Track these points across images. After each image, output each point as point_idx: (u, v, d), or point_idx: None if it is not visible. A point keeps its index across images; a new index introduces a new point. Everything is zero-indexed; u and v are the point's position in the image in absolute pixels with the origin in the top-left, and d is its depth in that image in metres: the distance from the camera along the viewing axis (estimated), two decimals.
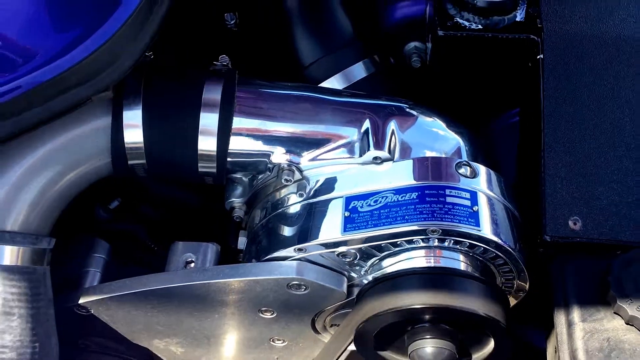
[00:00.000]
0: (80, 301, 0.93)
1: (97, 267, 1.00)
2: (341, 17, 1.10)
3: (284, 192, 0.93)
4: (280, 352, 1.02)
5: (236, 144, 0.91)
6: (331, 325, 0.96)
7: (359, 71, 1.08)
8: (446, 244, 0.84)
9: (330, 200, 0.89)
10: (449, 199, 0.84)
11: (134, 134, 0.89)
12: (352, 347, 0.95)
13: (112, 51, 0.80)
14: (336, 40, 1.09)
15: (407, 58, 1.12)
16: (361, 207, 0.86)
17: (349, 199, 0.87)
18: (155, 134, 0.89)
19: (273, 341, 1.00)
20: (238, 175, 0.96)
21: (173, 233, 1.05)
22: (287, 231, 0.91)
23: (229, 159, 0.92)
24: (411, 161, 0.88)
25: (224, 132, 0.90)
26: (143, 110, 0.89)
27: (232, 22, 1.12)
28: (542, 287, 0.89)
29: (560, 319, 0.83)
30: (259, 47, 1.13)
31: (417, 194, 0.85)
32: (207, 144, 0.91)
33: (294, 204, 0.91)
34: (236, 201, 0.97)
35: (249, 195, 0.97)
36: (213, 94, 0.91)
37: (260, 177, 0.95)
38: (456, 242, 0.84)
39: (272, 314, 0.93)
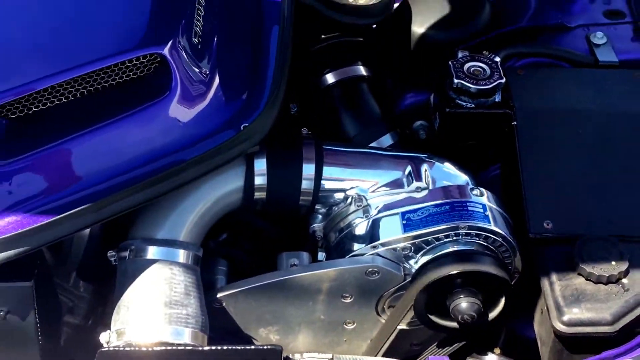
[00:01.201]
0: (218, 295, 1.35)
1: (222, 275, 1.42)
2: (372, 103, 1.61)
3: (352, 216, 1.38)
4: (348, 335, 1.44)
5: (324, 184, 1.37)
6: (389, 307, 1.39)
7: (387, 140, 1.57)
8: (469, 237, 1.31)
9: (390, 215, 1.34)
10: (469, 208, 1.32)
11: (260, 177, 1.35)
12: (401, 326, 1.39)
13: (261, 119, 1.27)
14: (370, 119, 1.59)
15: (416, 132, 1.62)
16: (413, 216, 1.32)
17: (403, 213, 1.33)
18: (274, 177, 1.35)
19: (345, 324, 1.42)
20: (318, 207, 1.41)
21: (264, 256, 1.49)
22: (360, 239, 1.36)
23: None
24: (442, 188, 1.36)
25: (318, 177, 1.36)
26: (267, 161, 1.35)
27: (294, 109, 1.61)
28: (529, 268, 1.35)
29: (544, 282, 1.30)
30: (313, 126, 1.60)
31: (449, 206, 1.32)
32: (306, 185, 1.36)
33: (362, 222, 1.36)
34: (317, 226, 1.42)
35: (325, 222, 1.42)
36: (309, 152, 1.37)
37: (334, 208, 1.41)
38: (476, 235, 1.31)
39: (350, 299, 1.36)
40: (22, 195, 1.16)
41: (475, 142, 1.54)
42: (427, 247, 1.32)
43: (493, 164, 1.60)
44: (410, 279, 1.33)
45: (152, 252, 1.29)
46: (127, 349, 1.22)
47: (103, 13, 1.24)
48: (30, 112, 1.19)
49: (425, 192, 1.37)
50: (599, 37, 1.62)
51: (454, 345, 1.43)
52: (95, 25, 1.23)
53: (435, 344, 1.44)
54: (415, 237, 1.31)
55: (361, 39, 1.65)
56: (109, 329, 1.29)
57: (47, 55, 1.18)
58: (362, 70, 1.62)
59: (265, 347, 1.23)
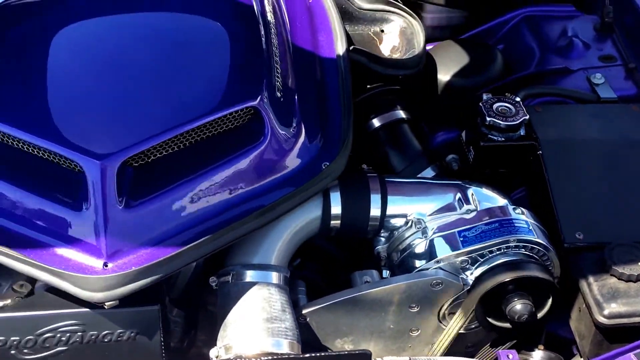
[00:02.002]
0: (303, 311, 1.55)
1: (303, 294, 1.62)
2: (413, 142, 1.85)
3: (412, 237, 1.61)
4: (413, 341, 1.65)
5: (389, 211, 1.60)
6: (449, 314, 1.61)
7: (429, 172, 1.81)
8: (517, 249, 1.55)
9: (448, 234, 1.58)
10: (516, 224, 1.56)
11: (335, 207, 1.57)
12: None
13: (339, 159, 1.50)
14: (413, 155, 1.83)
15: (449, 164, 1.87)
16: (468, 234, 1.56)
17: (460, 232, 1.57)
18: (347, 207, 1.57)
19: (411, 332, 1.63)
20: (382, 231, 1.64)
21: (332, 277, 1.70)
22: (421, 256, 1.58)
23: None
24: (488, 209, 1.60)
25: (384, 205, 1.59)
26: (340, 194, 1.57)
27: None
28: (564, 273, 1.59)
29: (582, 284, 1.53)
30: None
31: (498, 224, 1.56)
32: (374, 212, 1.59)
33: (422, 242, 1.59)
34: (380, 248, 1.65)
35: (388, 244, 1.64)
36: (374, 184, 1.60)
37: (395, 232, 1.63)
38: (523, 247, 1.55)
39: (416, 308, 1.58)
40: (152, 231, 1.37)
41: (504, 170, 1.79)
42: (482, 260, 1.55)
43: (515, 189, 1.85)
44: (467, 287, 1.56)
45: (250, 275, 1.50)
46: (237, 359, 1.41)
47: (203, 76, 1.48)
48: (150, 160, 1.39)
49: (474, 214, 1.60)
50: (598, 78, 1.91)
51: (505, 345, 1.65)
52: (198, 86, 1.47)
53: (487, 344, 1.66)
54: (471, 252, 1.54)
55: (398, 87, 1.90)
56: (203, 350, 1.48)
57: (164, 114, 1.40)
58: (402, 114, 1.87)
59: (356, 352, 1.44)
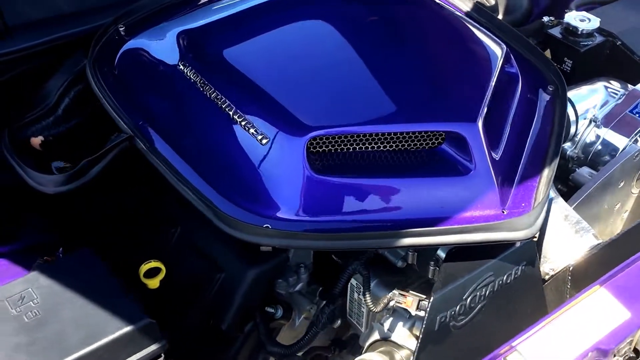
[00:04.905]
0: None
1: None
2: None
3: (593, 132, 1.93)
4: (614, 216, 1.97)
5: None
6: (636, 180, 1.96)
7: None
8: None
9: (622, 117, 1.93)
10: None
11: None
12: None
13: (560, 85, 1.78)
14: None
15: None
16: (638, 109, 1.93)
17: (630, 110, 1.93)
18: None
19: (615, 206, 1.95)
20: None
21: None
22: (606, 144, 1.92)
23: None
24: (630, 91, 1.98)
25: (574, 108, 1.90)
26: None
27: None
28: None
29: None
30: None
31: None
32: (572, 117, 1.89)
33: (605, 133, 1.93)
34: (569, 152, 1.96)
35: (574, 147, 1.95)
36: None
37: (576, 137, 1.95)
38: None
39: (622, 183, 1.90)
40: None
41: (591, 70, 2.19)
42: None
43: None
44: None
45: None
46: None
47: (458, 59, 1.75)
48: None
49: (623, 97, 1.98)
50: None
51: None
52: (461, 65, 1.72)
53: None
54: None
55: None
56: None
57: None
58: None
59: None
